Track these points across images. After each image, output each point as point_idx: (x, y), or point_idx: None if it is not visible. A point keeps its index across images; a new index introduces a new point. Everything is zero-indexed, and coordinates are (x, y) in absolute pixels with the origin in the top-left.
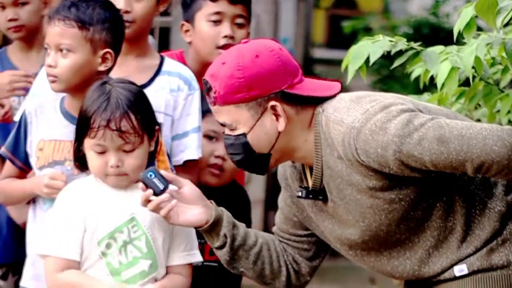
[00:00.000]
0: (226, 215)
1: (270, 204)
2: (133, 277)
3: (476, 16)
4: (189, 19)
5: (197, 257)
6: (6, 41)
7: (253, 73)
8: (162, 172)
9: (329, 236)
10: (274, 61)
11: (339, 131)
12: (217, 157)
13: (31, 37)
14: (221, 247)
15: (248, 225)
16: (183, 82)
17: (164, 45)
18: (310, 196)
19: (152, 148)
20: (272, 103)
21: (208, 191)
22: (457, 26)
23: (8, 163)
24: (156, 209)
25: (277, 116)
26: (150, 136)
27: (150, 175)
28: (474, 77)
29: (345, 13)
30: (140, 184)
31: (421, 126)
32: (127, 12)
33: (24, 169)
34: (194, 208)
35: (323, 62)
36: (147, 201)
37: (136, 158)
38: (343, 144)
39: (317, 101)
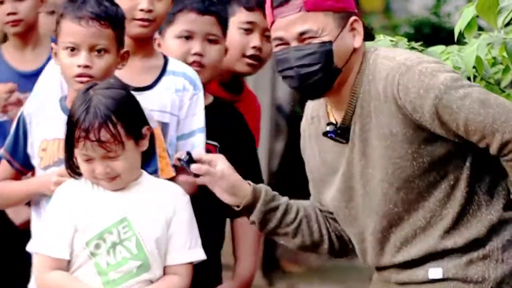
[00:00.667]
0: (263, 202)
1: None
2: (121, 278)
3: (477, 16)
4: None
5: (197, 255)
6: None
7: None
8: (201, 158)
9: (335, 191)
10: None
11: (388, 65)
12: (194, 54)
13: (28, 33)
14: (255, 224)
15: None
16: (188, 82)
17: None
18: (338, 131)
19: (144, 148)
20: (354, 18)
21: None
22: (458, 26)
23: (5, 165)
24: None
25: (355, 31)
26: (137, 139)
27: (182, 164)
28: (475, 76)
29: None
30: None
31: (469, 86)
32: (150, 11)
33: (21, 171)
34: (227, 195)
35: None
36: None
37: (124, 161)
38: (386, 78)
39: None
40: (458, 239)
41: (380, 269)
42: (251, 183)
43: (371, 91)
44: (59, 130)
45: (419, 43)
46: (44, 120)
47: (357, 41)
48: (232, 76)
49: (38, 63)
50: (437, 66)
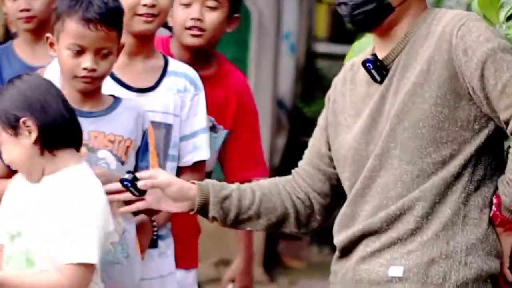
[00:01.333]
0: (213, 195)
1: None
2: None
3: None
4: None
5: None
6: (8, 36)
7: None
8: (139, 183)
9: (350, 138)
10: None
11: (454, 13)
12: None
13: (40, 29)
14: (216, 221)
15: None
16: (189, 83)
17: None
18: (378, 63)
19: (31, 140)
20: None
21: None
22: None
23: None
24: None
25: None
26: (15, 130)
27: (126, 184)
28: None
29: None
30: (118, 185)
31: None
32: (153, 6)
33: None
34: (178, 202)
35: (326, 57)
36: (112, 193)
37: (4, 152)
38: (452, 19)
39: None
40: (427, 231)
41: (345, 249)
42: (194, 181)
43: (428, 35)
44: None
45: None
46: None
47: None
48: (194, 53)
49: (49, 58)
50: (501, 39)
